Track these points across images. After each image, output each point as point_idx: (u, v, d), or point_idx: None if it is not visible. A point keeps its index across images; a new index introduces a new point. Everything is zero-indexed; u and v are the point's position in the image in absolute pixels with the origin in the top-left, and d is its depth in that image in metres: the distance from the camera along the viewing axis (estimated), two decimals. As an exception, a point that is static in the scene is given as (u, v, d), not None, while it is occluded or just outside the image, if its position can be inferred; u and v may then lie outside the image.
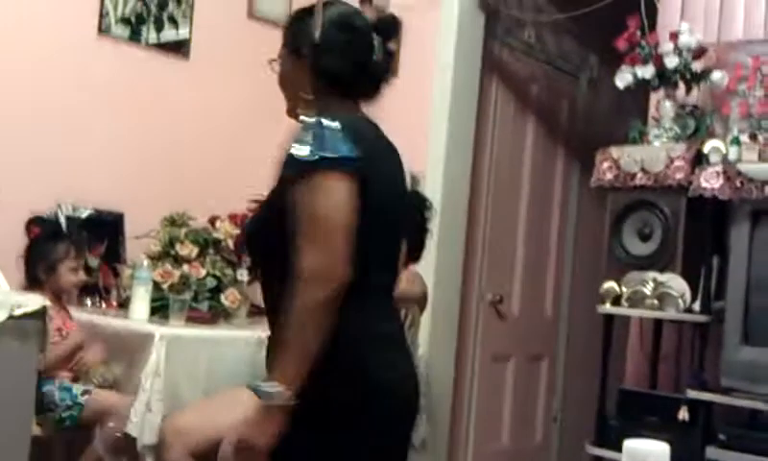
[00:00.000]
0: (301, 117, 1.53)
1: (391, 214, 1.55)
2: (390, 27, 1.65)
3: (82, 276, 2.81)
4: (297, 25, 1.64)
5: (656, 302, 2.58)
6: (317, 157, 1.44)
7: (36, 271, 2.73)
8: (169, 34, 3.46)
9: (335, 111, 1.52)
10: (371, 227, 1.47)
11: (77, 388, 2.65)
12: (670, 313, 2.58)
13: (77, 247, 2.80)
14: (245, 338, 2.74)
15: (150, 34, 3.40)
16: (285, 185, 1.48)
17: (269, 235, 1.53)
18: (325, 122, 1.47)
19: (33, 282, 2.73)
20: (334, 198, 1.43)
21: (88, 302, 2.94)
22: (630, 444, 1.22)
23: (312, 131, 1.46)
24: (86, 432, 2.65)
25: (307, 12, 1.63)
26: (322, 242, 1.42)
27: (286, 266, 1.44)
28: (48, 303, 2.49)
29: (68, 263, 2.74)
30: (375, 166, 1.50)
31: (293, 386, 1.40)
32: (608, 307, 2.68)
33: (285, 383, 1.41)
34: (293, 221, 1.44)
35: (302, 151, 1.45)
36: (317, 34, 1.57)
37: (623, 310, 2.66)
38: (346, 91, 1.59)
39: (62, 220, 3.00)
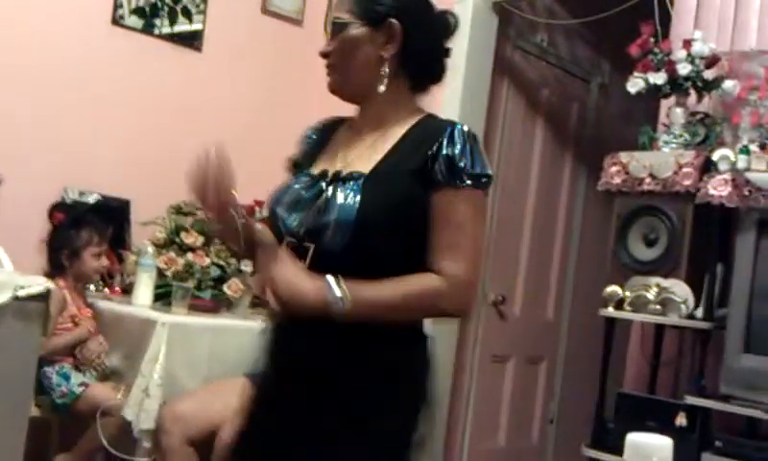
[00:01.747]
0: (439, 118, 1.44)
1: None
2: (456, 24, 1.53)
3: (104, 261, 2.82)
4: None
5: (658, 307, 2.56)
6: (485, 176, 1.41)
7: (60, 257, 2.73)
8: (182, 26, 3.46)
9: (406, 102, 1.47)
10: None
11: (75, 377, 2.65)
12: (672, 319, 2.56)
13: (100, 233, 2.80)
14: (247, 328, 2.74)
15: (163, 25, 3.40)
16: (422, 185, 1.39)
17: (391, 228, 1.39)
18: (471, 130, 1.42)
19: (56, 268, 2.73)
20: (483, 220, 1.44)
21: (92, 287, 2.93)
22: (633, 437, 1.20)
23: (473, 142, 1.41)
24: (83, 417, 2.64)
25: None
26: (476, 263, 1.40)
27: (391, 259, 1.39)
28: (52, 285, 2.49)
29: (92, 249, 2.75)
30: None
31: (354, 311, 1.34)
32: (610, 311, 2.67)
33: (354, 306, 1.34)
34: (438, 226, 1.39)
35: (471, 165, 1.39)
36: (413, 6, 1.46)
37: (625, 314, 2.64)
38: (420, 81, 1.49)
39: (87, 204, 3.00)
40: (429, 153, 1.40)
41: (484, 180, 1.41)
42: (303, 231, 1.44)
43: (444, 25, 1.51)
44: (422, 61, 1.49)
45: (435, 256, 1.38)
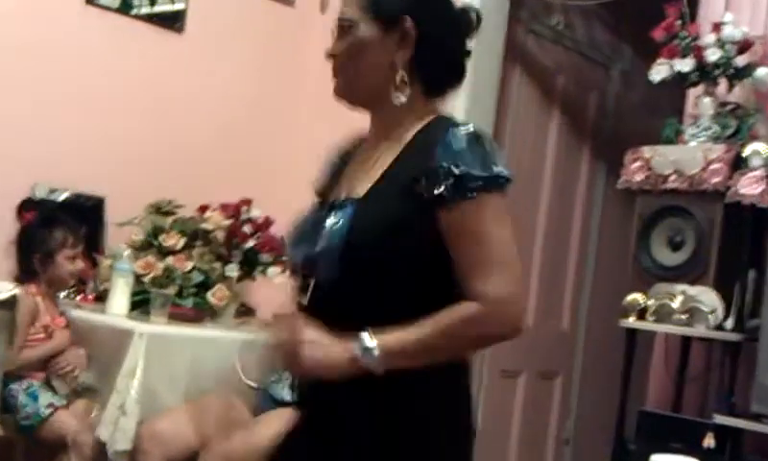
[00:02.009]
0: (450, 126, 1.38)
1: None
2: (479, 21, 1.49)
3: (80, 264, 2.79)
4: None
5: (684, 317, 2.56)
6: (498, 176, 1.36)
7: (31, 260, 2.71)
8: (163, 5, 3.46)
9: (419, 107, 1.43)
10: None
11: (44, 397, 2.63)
12: (699, 330, 2.56)
13: (74, 233, 2.78)
14: (232, 339, 2.74)
15: (142, 4, 3.40)
16: (422, 204, 1.36)
17: (386, 254, 1.37)
18: (482, 133, 1.38)
19: (27, 273, 2.71)
20: (508, 222, 1.37)
21: (61, 294, 2.93)
22: (657, 459, 1.20)
23: (482, 144, 1.37)
24: (48, 445, 2.64)
25: None
26: (509, 269, 1.35)
27: (392, 290, 1.37)
28: (18, 291, 2.49)
29: (66, 251, 2.73)
30: None
31: (390, 365, 1.33)
32: (631, 321, 2.67)
33: (388, 356, 1.33)
34: (458, 246, 1.35)
35: (480, 168, 1.35)
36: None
37: (648, 325, 2.64)
38: (436, 85, 1.46)
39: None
40: (423, 166, 1.36)
41: (499, 181, 1.37)
42: (303, 265, 1.45)
43: (466, 23, 1.47)
44: (440, 65, 1.45)
45: (465, 282, 1.35)
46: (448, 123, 1.41)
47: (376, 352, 1.32)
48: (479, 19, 1.48)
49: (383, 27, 1.42)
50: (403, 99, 1.41)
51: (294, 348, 1.36)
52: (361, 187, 1.43)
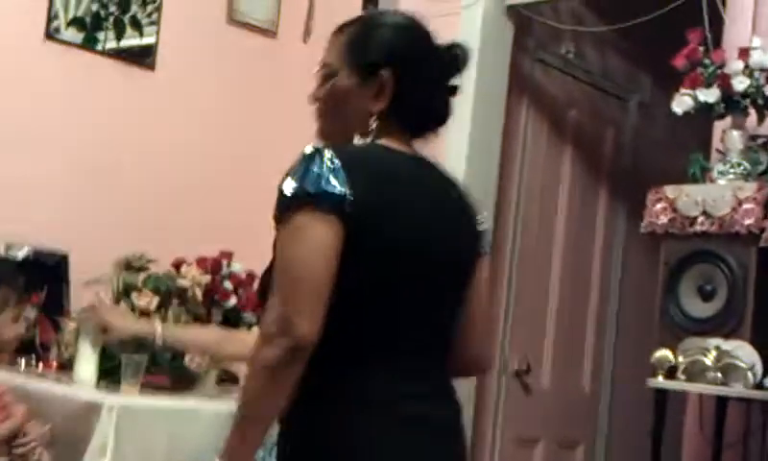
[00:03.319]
0: (310, 146, 1.56)
1: (417, 266, 1.57)
2: (465, 58, 1.68)
3: (22, 328, 2.81)
4: (369, 33, 1.66)
5: (719, 375, 2.57)
6: (294, 192, 1.50)
7: None
8: (131, 39, 3.52)
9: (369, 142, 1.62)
10: (378, 277, 1.53)
11: None
12: (737, 389, 2.57)
13: (15, 291, 2.80)
14: (213, 410, 2.73)
15: (108, 39, 3.45)
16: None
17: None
18: (326, 153, 1.52)
19: None
20: (307, 241, 1.48)
21: (22, 362, 2.93)
22: None
23: (304, 162, 1.52)
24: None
25: (383, 20, 1.70)
26: (285, 293, 1.47)
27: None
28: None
29: (6, 314, 2.75)
30: (387, 209, 1.54)
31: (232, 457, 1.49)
32: (660, 381, 2.68)
33: (225, 458, 1.49)
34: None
35: (286, 185, 1.52)
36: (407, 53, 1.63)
37: (679, 385, 2.65)
38: (416, 127, 1.66)
39: None
40: None
41: (294, 198, 1.49)
42: None
43: (450, 62, 1.66)
44: (418, 113, 1.65)
45: None
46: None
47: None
48: (465, 55, 1.67)
49: (362, 77, 1.62)
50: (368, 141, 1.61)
51: None
52: None
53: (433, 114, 1.67)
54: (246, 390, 1.50)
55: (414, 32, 1.68)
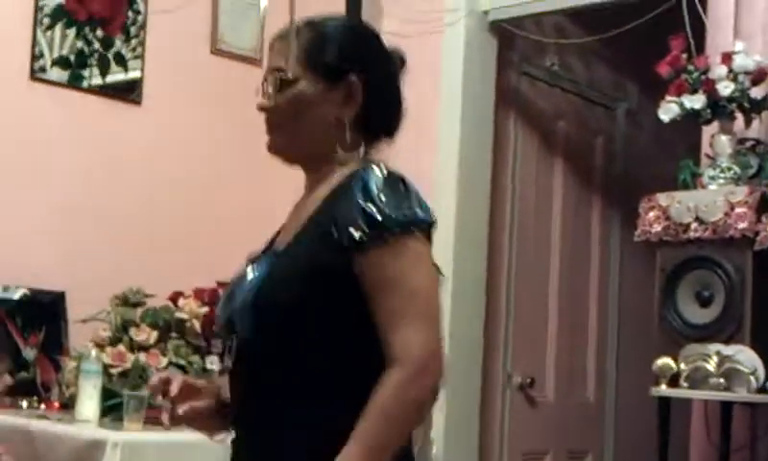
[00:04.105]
0: (366, 167, 1.47)
1: None
2: (405, 61, 1.63)
3: (7, 379, 2.80)
4: (328, 37, 1.55)
5: (722, 380, 2.59)
6: (405, 216, 1.42)
7: None
8: (116, 75, 3.53)
9: (354, 157, 1.53)
10: None
11: None
12: (740, 394, 2.58)
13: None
14: (219, 444, 2.74)
15: (93, 76, 3.47)
16: (337, 250, 1.43)
17: (301, 307, 1.44)
18: (392, 172, 1.46)
19: None
20: (429, 269, 1.44)
21: (24, 403, 2.94)
22: None
23: (388, 183, 1.44)
24: None
25: (337, 24, 1.59)
26: (428, 323, 1.41)
27: (310, 344, 1.44)
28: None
29: None
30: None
31: None
32: (663, 389, 2.69)
33: None
34: (374, 296, 1.42)
35: (381, 207, 1.42)
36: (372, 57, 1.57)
37: (682, 392, 2.67)
38: (376, 134, 1.58)
39: None
40: (340, 210, 1.45)
41: (419, 224, 1.44)
42: (225, 325, 1.55)
43: (398, 66, 1.61)
44: (384, 116, 1.58)
45: (383, 336, 1.41)
46: (367, 166, 1.49)
47: None
48: (403, 62, 1.61)
49: (327, 83, 1.53)
50: (342, 154, 1.52)
51: None
52: (287, 239, 1.53)
53: (398, 118, 1.61)
54: (390, 419, 1.38)
55: (370, 34, 1.62)
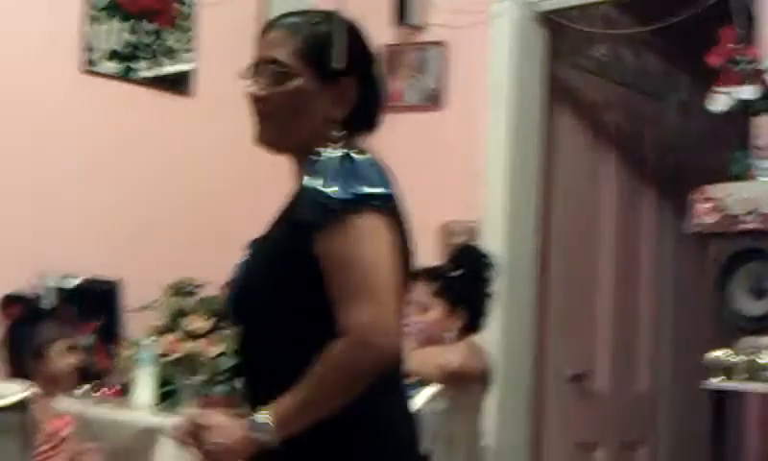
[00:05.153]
0: (323, 150, 1.52)
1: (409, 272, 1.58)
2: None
3: (79, 356, 2.84)
4: (331, 37, 1.57)
5: (776, 373, 2.59)
6: (353, 193, 1.46)
7: (22, 359, 2.78)
8: (169, 65, 3.58)
9: (348, 146, 1.57)
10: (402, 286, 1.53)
11: None
12: (795, 387, 2.59)
13: (67, 322, 2.87)
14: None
15: (145, 67, 3.51)
16: (300, 232, 1.49)
17: (273, 290, 1.53)
18: (354, 154, 1.50)
19: (20, 374, 2.76)
20: (383, 243, 1.47)
21: (81, 390, 3.01)
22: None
23: (340, 164, 1.49)
24: None
25: (339, 22, 1.60)
26: (377, 295, 1.45)
27: (285, 326, 1.52)
28: (37, 390, 2.55)
29: (59, 345, 2.79)
30: (403, 211, 1.55)
31: (284, 432, 1.47)
32: (715, 382, 2.69)
33: (279, 425, 1.46)
34: (327, 274, 1.47)
35: (331, 187, 1.47)
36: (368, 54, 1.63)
37: (737, 385, 2.66)
38: (362, 130, 1.63)
39: (44, 293, 3.07)
40: (299, 197, 1.53)
41: (370, 201, 1.46)
42: (228, 312, 1.70)
43: (378, 59, 1.67)
44: (371, 114, 1.64)
45: (337, 314, 1.46)
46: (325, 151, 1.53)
47: (268, 426, 1.46)
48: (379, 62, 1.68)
49: (322, 81, 1.57)
50: (329, 152, 1.53)
51: (199, 436, 1.52)
52: (270, 227, 1.62)
53: (382, 115, 1.66)
54: (324, 383, 1.45)
55: (363, 34, 1.64)
